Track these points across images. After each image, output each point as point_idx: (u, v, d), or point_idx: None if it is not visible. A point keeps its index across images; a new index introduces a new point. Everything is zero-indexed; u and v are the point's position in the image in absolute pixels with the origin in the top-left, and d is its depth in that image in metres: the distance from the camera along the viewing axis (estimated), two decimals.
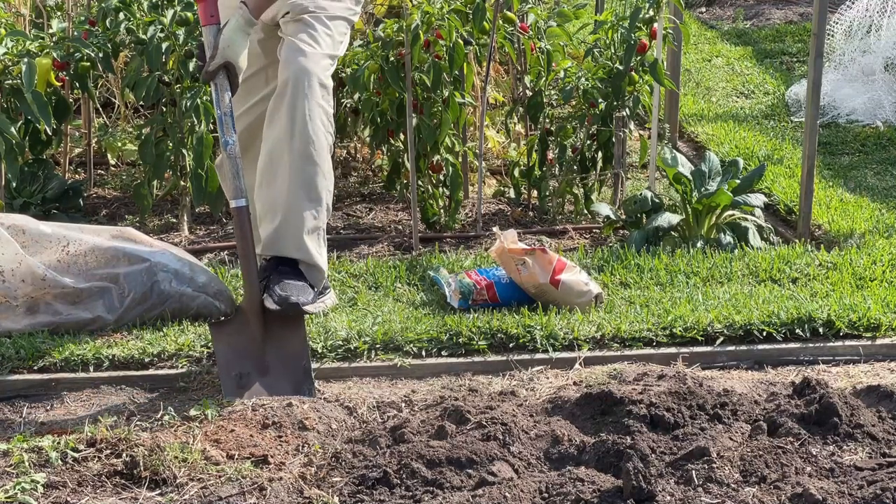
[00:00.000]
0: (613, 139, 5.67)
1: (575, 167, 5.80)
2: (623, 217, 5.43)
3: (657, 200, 5.32)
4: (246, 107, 4.26)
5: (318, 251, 4.07)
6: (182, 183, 5.53)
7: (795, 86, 7.92)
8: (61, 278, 4.23)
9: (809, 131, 5.31)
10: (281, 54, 4.04)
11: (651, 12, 5.54)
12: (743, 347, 4.23)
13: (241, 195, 3.84)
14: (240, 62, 3.88)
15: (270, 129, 4.01)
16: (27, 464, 3.26)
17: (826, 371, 4.12)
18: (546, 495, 3.07)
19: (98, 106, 6.37)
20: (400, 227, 5.68)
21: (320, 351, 4.11)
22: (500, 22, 5.61)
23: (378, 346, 4.16)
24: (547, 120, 5.88)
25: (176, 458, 3.28)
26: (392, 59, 5.39)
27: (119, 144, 6.19)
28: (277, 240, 4.02)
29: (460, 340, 4.18)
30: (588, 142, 5.79)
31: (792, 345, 4.25)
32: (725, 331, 4.26)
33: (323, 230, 4.09)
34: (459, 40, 5.38)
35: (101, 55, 5.42)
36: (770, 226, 5.33)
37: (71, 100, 5.78)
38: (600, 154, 5.81)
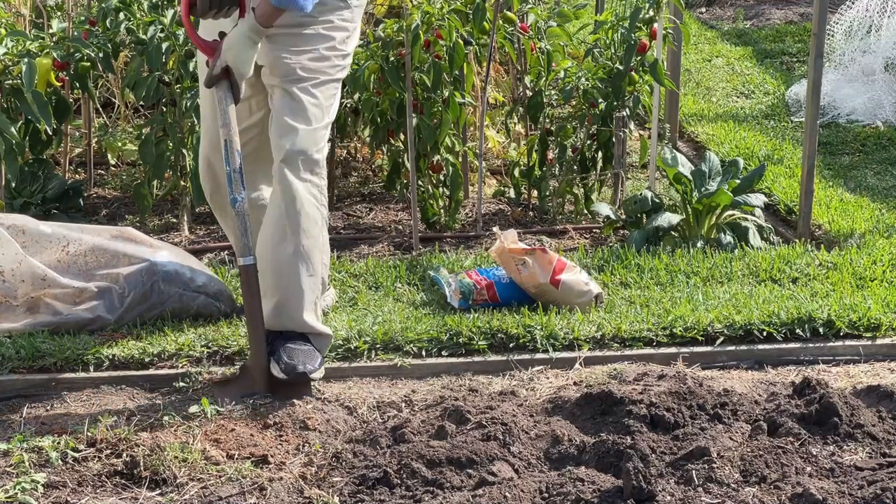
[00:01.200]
0: (613, 139, 5.67)
1: (575, 167, 5.80)
2: (623, 217, 5.43)
3: (657, 200, 5.32)
4: None
5: (318, 321, 3.94)
6: (182, 183, 5.52)
7: (795, 86, 7.92)
8: (61, 278, 4.23)
9: (809, 131, 5.31)
10: (270, 129, 3.92)
11: (651, 12, 5.54)
12: (743, 347, 4.24)
13: (248, 253, 3.77)
14: (242, 69, 3.78)
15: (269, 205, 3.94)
16: (27, 464, 3.26)
17: (826, 371, 4.12)
18: (546, 495, 3.07)
19: (98, 106, 6.37)
20: (400, 227, 5.68)
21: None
22: (500, 22, 5.61)
23: (378, 345, 4.16)
24: (547, 120, 5.88)
25: (176, 457, 3.28)
26: (392, 59, 5.39)
27: (119, 144, 6.18)
28: (278, 315, 3.90)
29: (460, 340, 4.18)
30: (588, 142, 5.79)
31: (792, 345, 4.25)
32: (725, 331, 4.26)
33: (318, 300, 3.96)
34: (459, 40, 5.38)
35: (101, 55, 5.41)
36: (770, 226, 5.33)
37: (71, 100, 5.77)
38: (600, 154, 5.80)
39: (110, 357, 4.04)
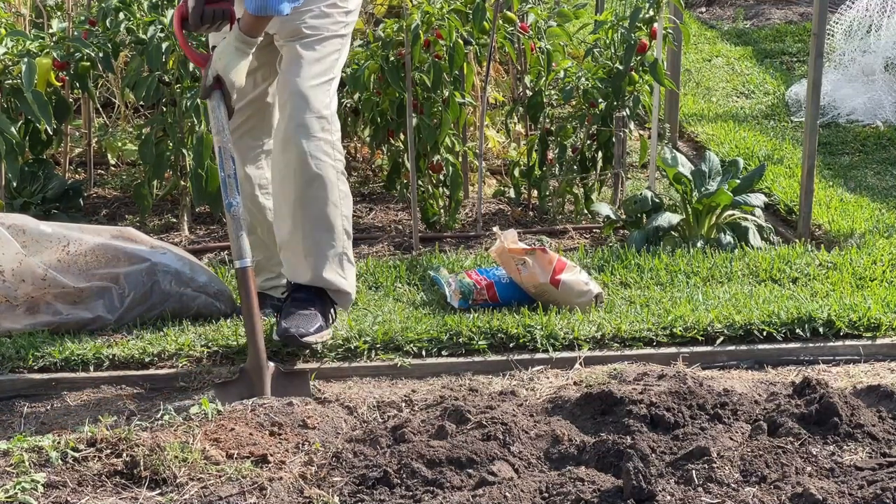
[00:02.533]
0: (613, 139, 5.66)
1: (575, 167, 5.80)
2: (623, 217, 5.43)
3: (657, 200, 5.32)
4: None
5: (340, 276, 4.07)
6: (182, 183, 5.53)
7: (795, 86, 7.92)
8: (62, 278, 4.23)
9: (809, 131, 5.31)
10: (277, 87, 4.06)
11: (651, 12, 5.54)
12: (743, 347, 4.24)
13: (244, 255, 3.82)
14: (232, 77, 3.87)
15: (277, 164, 4.06)
16: (27, 463, 3.26)
17: (826, 371, 4.13)
18: (546, 495, 3.07)
19: (98, 106, 6.37)
20: (400, 226, 5.68)
21: (320, 350, 4.12)
22: (500, 22, 5.61)
23: (378, 345, 4.16)
24: (547, 120, 5.88)
25: (176, 457, 3.28)
26: (392, 59, 5.39)
27: (119, 144, 6.18)
28: (296, 271, 4.08)
29: (460, 340, 4.18)
30: (588, 142, 5.79)
31: (792, 345, 4.25)
32: (725, 331, 4.26)
33: (345, 254, 4.10)
34: (459, 40, 5.38)
35: (101, 55, 5.41)
36: (770, 226, 5.33)
37: (71, 100, 5.77)
38: (600, 154, 5.80)
39: (110, 357, 4.04)
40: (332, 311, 4.15)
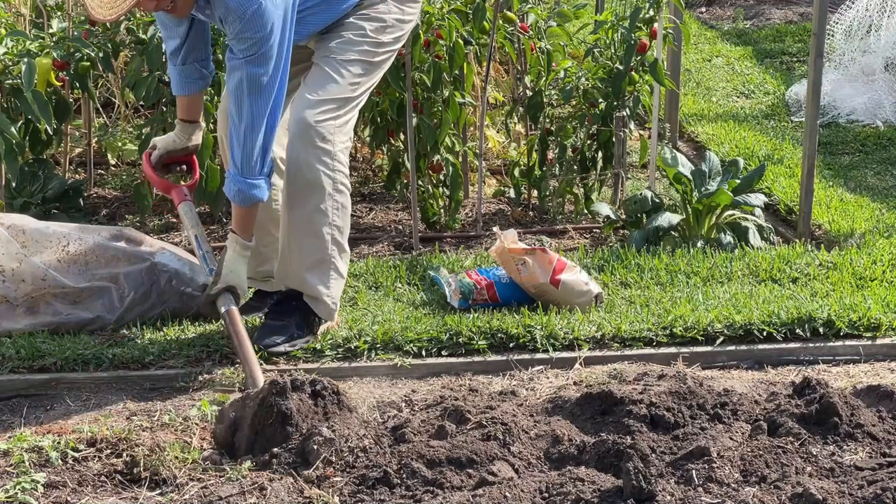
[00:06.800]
0: (613, 139, 5.66)
1: (575, 167, 5.80)
2: (623, 217, 5.43)
3: (657, 200, 5.32)
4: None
5: (321, 283, 4.14)
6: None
7: (795, 86, 7.92)
8: (61, 278, 4.23)
9: (809, 131, 5.31)
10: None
11: (651, 12, 5.54)
12: (743, 347, 4.24)
13: (229, 303, 4.00)
14: (244, 285, 4.11)
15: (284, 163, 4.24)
16: (27, 463, 3.26)
17: (826, 371, 4.13)
18: (546, 495, 3.07)
19: (98, 106, 6.36)
20: (400, 226, 5.68)
21: (320, 350, 4.12)
22: (500, 22, 5.61)
23: (378, 345, 4.16)
24: (547, 120, 5.88)
25: (176, 458, 3.28)
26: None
27: (119, 144, 6.18)
28: (281, 273, 4.24)
29: (460, 340, 4.18)
30: (588, 142, 5.79)
31: (792, 345, 4.25)
32: (725, 331, 4.26)
33: (333, 264, 4.14)
34: (459, 40, 5.37)
35: (101, 55, 5.41)
36: (770, 226, 5.33)
37: (71, 100, 5.77)
38: (600, 154, 5.80)
39: (110, 357, 4.04)
40: (314, 319, 4.19)
